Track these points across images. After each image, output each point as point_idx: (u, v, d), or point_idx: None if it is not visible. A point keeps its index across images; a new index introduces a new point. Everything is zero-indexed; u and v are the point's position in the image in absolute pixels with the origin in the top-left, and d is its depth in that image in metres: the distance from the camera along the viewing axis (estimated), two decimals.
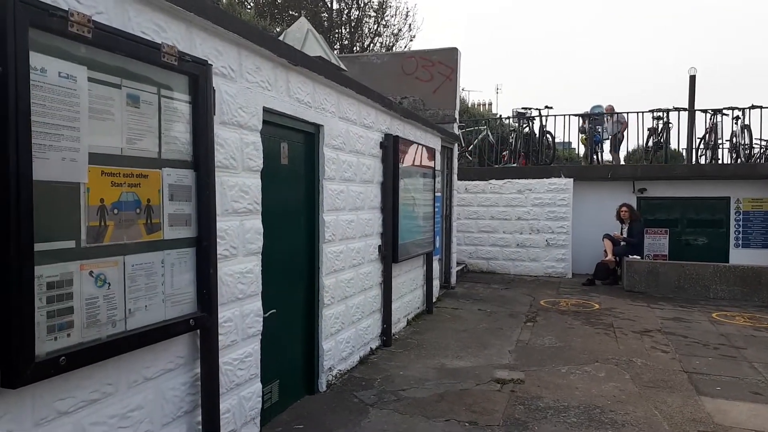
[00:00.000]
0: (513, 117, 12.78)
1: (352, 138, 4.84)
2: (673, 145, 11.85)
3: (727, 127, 11.45)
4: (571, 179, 10.61)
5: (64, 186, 2.01)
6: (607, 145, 12.34)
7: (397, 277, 6.02)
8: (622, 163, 12.64)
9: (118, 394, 2.33)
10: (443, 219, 8.81)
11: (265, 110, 3.46)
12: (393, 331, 5.88)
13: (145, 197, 2.38)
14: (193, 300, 2.67)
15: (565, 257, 10.57)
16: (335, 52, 10.41)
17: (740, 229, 10.47)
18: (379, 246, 5.51)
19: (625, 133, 12.32)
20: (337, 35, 18.17)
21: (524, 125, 12.15)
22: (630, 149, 14.35)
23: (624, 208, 9.92)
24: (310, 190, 4.30)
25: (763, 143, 11.20)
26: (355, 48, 17.91)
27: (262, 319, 3.45)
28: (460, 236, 10.51)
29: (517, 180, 10.86)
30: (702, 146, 11.53)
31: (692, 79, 12.65)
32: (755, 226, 10.39)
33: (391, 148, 5.59)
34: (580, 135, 12.56)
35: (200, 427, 2.82)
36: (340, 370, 4.70)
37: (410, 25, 19.04)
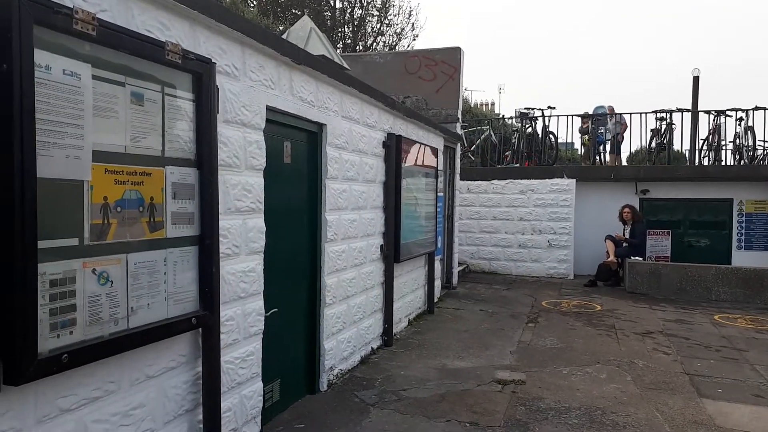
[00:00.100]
0: (516, 117, 12.76)
1: (354, 137, 4.84)
2: (676, 147, 11.82)
3: (730, 128, 11.44)
4: (574, 180, 10.59)
5: (68, 184, 2.01)
6: (608, 146, 12.31)
7: (398, 276, 6.02)
8: (624, 164, 12.60)
9: (120, 392, 2.34)
10: (445, 219, 8.80)
11: (269, 109, 3.46)
12: (394, 331, 5.88)
13: (149, 195, 2.38)
14: (196, 298, 2.67)
15: (567, 258, 10.55)
16: (338, 51, 10.37)
17: (743, 231, 10.44)
18: (381, 246, 5.50)
19: (625, 135, 12.26)
20: (340, 34, 18.17)
21: (527, 125, 12.13)
22: (633, 150, 14.32)
23: (626, 209, 9.90)
24: (313, 189, 4.30)
25: (767, 145, 11.17)
26: (357, 47, 17.90)
27: (263, 318, 3.46)
28: (462, 236, 10.49)
29: (519, 180, 10.84)
30: (705, 148, 11.50)
31: (695, 80, 12.62)
32: (758, 228, 10.37)
33: (394, 148, 5.59)
34: (582, 136, 12.53)
35: (201, 425, 2.82)
36: (341, 370, 4.70)
37: (413, 24, 19.04)
